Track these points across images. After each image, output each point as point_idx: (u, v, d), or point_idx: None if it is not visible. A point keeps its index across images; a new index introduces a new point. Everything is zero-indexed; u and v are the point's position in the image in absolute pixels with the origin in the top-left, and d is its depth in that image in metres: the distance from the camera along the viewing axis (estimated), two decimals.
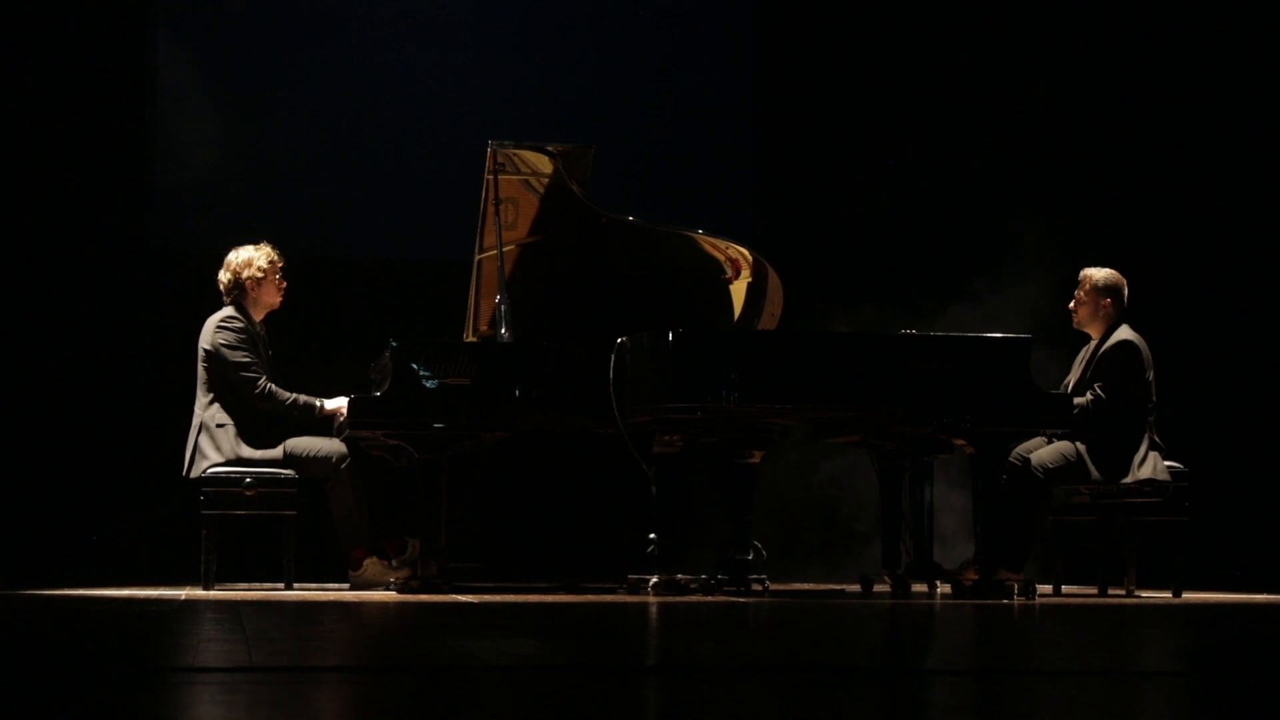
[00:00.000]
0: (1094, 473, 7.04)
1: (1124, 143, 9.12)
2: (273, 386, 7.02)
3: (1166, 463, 7.16)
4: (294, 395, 7.05)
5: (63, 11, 8.61)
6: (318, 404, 7.05)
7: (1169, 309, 8.31)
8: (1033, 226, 8.53)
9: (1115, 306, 7.23)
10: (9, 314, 8.43)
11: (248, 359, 7.02)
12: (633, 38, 9.28)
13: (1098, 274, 7.27)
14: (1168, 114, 9.07)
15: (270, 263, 7.15)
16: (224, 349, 7.03)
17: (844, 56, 9.26)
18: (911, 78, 9.21)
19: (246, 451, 6.97)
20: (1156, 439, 7.17)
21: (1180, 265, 8.71)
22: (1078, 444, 7.05)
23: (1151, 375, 7.18)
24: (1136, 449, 7.10)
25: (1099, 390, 7.09)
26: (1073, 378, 7.32)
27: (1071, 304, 7.30)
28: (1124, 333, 7.21)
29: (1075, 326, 7.34)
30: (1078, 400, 7.03)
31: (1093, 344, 7.28)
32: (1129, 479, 7.09)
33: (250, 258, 7.14)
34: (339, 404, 6.99)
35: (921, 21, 9.26)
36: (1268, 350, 8.79)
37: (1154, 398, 7.19)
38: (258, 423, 7.04)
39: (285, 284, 7.21)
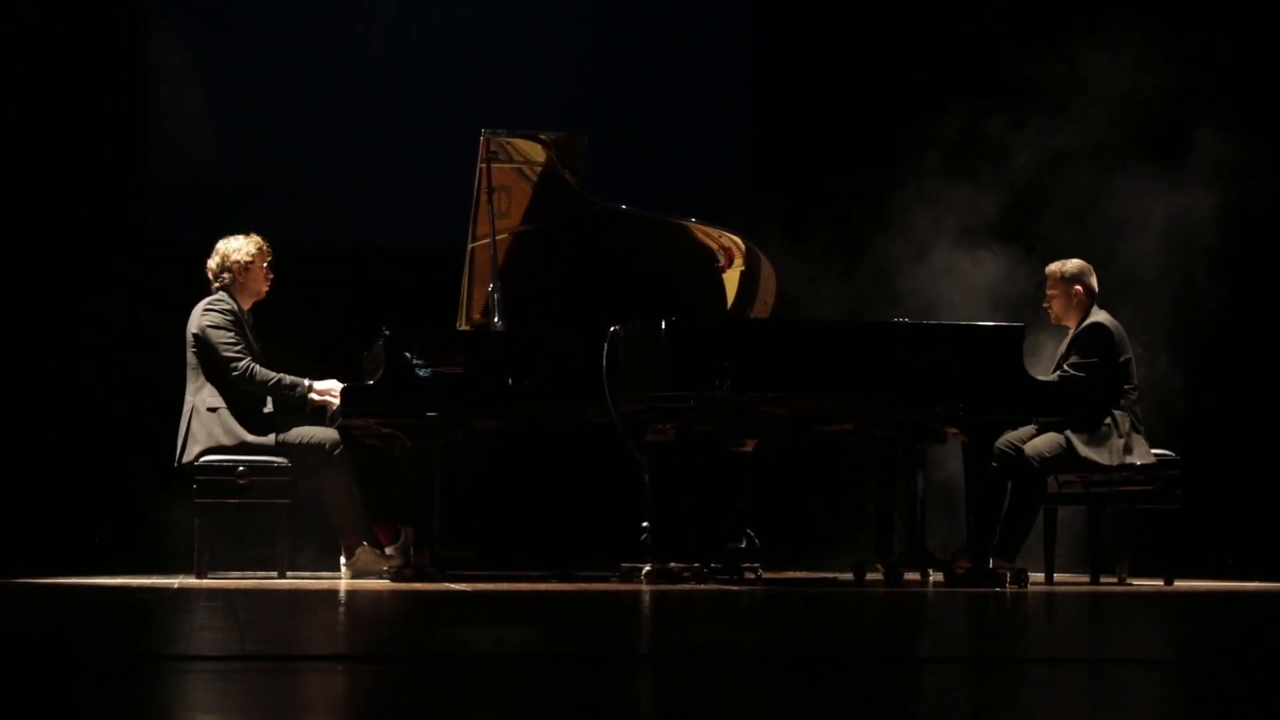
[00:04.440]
0: (1090, 456, 7.05)
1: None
2: (255, 367, 7.02)
3: (1157, 450, 7.18)
4: (278, 375, 7.05)
5: None
6: (304, 383, 7.05)
7: (1164, 300, 8.31)
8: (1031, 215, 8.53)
9: (1086, 293, 7.31)
10: (1, 303, 8.40)
11: (232, 339, 7.02)
12: (628, 25, 9.26)
13: (1063, 265, 7.37)
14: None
15: (259, 249, 7.16)
16: (210, 329, 7.03)
17: (841, 45, 9.23)
18: (909, 67, 9.18)
19: (240, 432, 6.97)
20: (1138, 423, 7.20)
21: (1176, 259, 8.69)
22: (1066, 433, 7.07)
23: (1127, 358, 7.22)
24: (1114, 429, 7.12)
25: (1069, 368, 7.13)
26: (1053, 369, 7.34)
27: (1045, 302, 7.37)
28: (1096, 315, 7.29)
29: (1054, 321, 7.40)
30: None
31: (1070, 333, 7.33)
32: (1113, 461, 7.10)
33: (239, 244, 7.16)
34: (329, 385, 6.99)
35: (921, 11, 9.23)
36: (1262, 338, 8.78)
37: (1133, 380, 7.23)
38: (251, 405, 7.04)
39: (273, 275, 7.21)
